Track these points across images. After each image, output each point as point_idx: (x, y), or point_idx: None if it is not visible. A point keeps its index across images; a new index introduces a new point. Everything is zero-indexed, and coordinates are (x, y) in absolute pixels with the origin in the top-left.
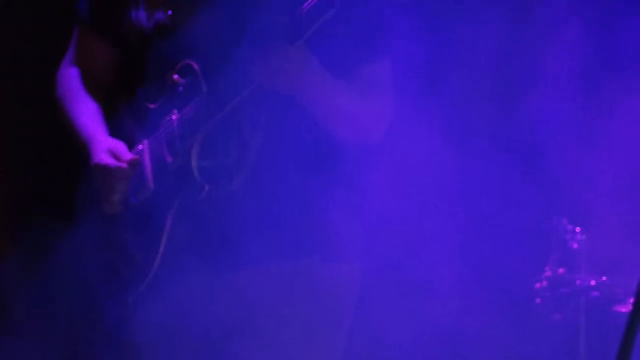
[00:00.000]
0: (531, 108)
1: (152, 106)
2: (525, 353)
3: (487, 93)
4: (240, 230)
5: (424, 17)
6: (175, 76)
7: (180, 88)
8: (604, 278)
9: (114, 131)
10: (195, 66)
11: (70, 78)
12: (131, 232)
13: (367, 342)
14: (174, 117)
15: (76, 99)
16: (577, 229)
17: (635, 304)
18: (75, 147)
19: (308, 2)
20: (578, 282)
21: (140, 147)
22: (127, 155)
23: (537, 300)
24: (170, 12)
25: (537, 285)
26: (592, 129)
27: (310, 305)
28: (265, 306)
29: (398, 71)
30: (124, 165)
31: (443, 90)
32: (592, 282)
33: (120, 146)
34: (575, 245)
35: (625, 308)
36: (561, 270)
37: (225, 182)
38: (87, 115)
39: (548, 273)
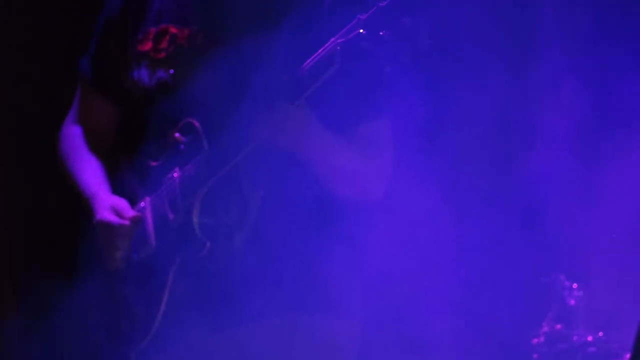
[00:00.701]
0: (530, 165)
1: (154, 164)
2: None
3: (486, 150)
4: (241, 286)
5: (423, 74)
6: (177, 134)
7: (182, 146)
8: (600, 334)
9: (117, 188)
10: (197, 124)
11: (73, 136)
12: (133, 288)
13: None
14: (175, 174)
15: (79, 157)
16: (575, 285)
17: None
18: (77, 204)
19: (309, 60)
20: (575, 338)
21: (142, 204)
22: (130, 212)
23: (535, 355)
24: (172, 71)
25: (535, 340)
26: (591, 185)
27: None
28: None
29: (398, 129)
30: (126, 222)
31: (442, 148)
32: (589, 338)
33: (122, 203)
34: (572, 302)
35: None
36: (558, 326)
37: (227, 239)
38: (90, 172)
39: (545, 329)
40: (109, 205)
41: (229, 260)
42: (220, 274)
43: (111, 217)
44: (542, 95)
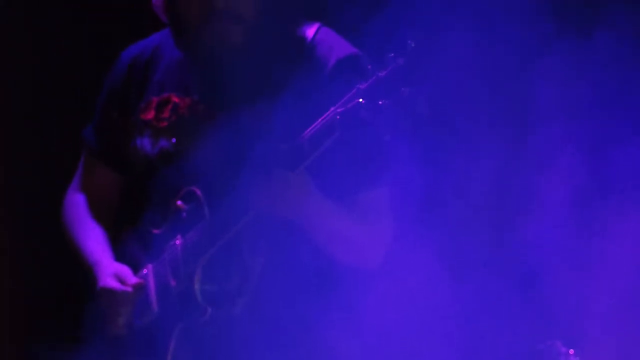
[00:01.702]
0: (527, 232)
1: (156, 231)
2: None
3: (484, 217)
4: (242, 351)
5: (422, 143)
6: (179, 202)
7: (184, 214)
8: None
9: (120, 255)
10: (198, 192)
11: (76, 204)
12: (135, 355)
13: None
14: (177, 242)
15: (83, 225)
16: (571, 352)
17: None
18: (79, 271)
19: (309, 129)
20: None
21: (144, 271)
22: (132, 279)
23: None
24: (174, 140)
25: None
26: (589, 252)
27: None
28: None
29: (396, 197)
30: (129, 289)
31: (440, 215)
32: None
33: (125, 270)
34: None
35: None
36: None
37: (227, 305)
38: (94, 240)
39: None
40: (112, 273)
41: (230, 325)
42: (220, 339)
43: (114, 284)
44: (538, 164)
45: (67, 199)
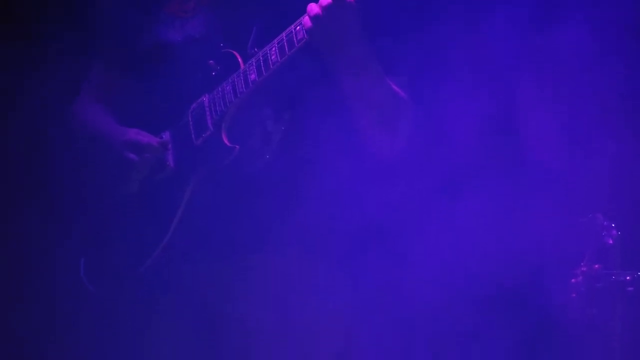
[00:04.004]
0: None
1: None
2: (560, 348)
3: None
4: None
5: None
6: (212, 61)
7: (214, 73)
8: (639, 273)
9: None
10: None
11: (89, 107)
12: (144, 214)
13: None
14: (204, 99)
15: (97, 112)
16: (613, 225)
17: None
18: None
19: None
20: (613, 277)
21: (163, 136)
22: (154, 138)
23: (573, 295)
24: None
25: (573, 280)
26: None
27: None
28: None
29: None
30: (154, 142)
31: None
32: (628, 278)
33: (145, 133)
34: (610, 241)
35: None
36: (597, 265)
37: (248, 159)
38: (110, 118)
39: (584, 268)
40: (134, 131)
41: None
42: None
43: (139, 137)
44: None
45: (77, 105)
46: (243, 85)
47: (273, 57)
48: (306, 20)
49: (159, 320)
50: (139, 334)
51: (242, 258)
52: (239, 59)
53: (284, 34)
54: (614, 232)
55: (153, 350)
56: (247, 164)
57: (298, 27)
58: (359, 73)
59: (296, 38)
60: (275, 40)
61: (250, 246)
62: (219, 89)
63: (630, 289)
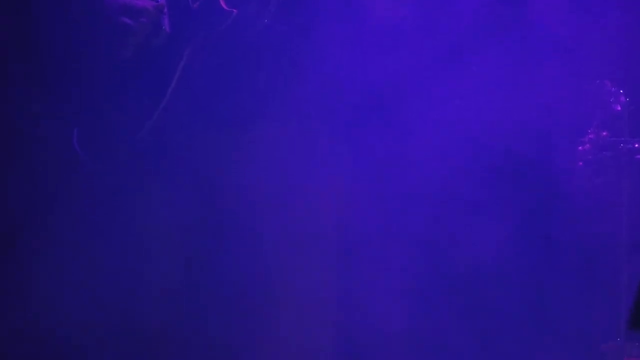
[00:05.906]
0: None
1: None
2: (566, 218)
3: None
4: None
5: None
6: None
7: None
8: None
9: None
10: None
11: None
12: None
13: None
14: None
15: None
16: (621, 91)
17: None
18: None
19: None
20: (621, 145)
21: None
22: (149, 2)
23: (580, 163)
24: None
25: (580, 148)
26: None
27: None
28: None
29: None
30: (150, 5)
31: None
32: (636, 145)
33: None
34: (618, 108)
35: None
36: (604, 133)
37: (246, 26)
38: None
39: (591, 136)
40: None
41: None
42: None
43: (134, 0)
44: None
45: None
46: None
47: None
48: None
49: (151, 187)
50: (131, 205)
51: (241, 129)
52: None
53: None
54: (622, 98)
55: (149, 220)
56: (245, 28)
57: None
58: None
59: None
60: None
61: (249, 116)
62: None
63: (638, 156)
